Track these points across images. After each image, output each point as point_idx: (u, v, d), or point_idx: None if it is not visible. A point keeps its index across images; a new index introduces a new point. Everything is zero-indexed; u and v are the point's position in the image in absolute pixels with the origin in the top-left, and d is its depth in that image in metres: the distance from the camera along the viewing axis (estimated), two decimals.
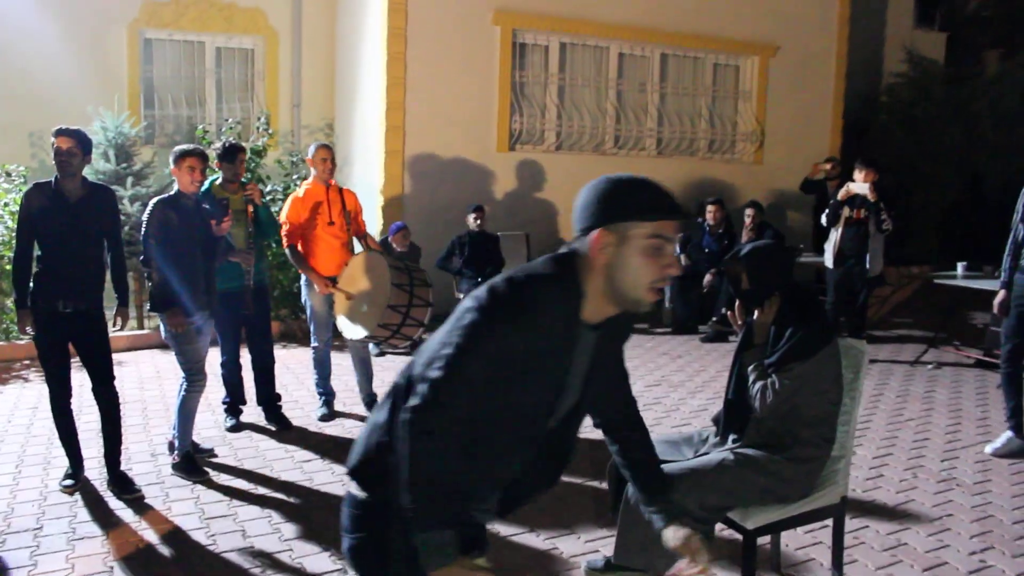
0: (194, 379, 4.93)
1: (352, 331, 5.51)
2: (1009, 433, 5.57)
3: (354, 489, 2.01)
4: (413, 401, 1.83)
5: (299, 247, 5.97)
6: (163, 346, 6.47)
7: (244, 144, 6.58)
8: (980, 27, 17.64)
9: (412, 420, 1.81)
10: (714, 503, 3.24)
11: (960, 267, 8.23)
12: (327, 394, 6.21)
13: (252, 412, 6.00)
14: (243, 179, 5.75)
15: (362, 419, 6.06)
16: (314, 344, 6.15)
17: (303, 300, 6.17)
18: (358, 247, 6.24)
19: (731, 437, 3.46)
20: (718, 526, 3.41)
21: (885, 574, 3.87)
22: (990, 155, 12.87)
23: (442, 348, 1.87)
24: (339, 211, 6.03)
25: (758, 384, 3.32)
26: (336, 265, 5.92)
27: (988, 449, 5.56)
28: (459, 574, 1.88)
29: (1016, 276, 5.47)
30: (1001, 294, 5.54)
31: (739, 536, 3.34)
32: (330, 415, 6.12)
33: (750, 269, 3.45)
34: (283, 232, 5.95)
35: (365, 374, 6.21)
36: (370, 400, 6.23)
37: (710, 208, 9.53)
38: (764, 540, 3.83)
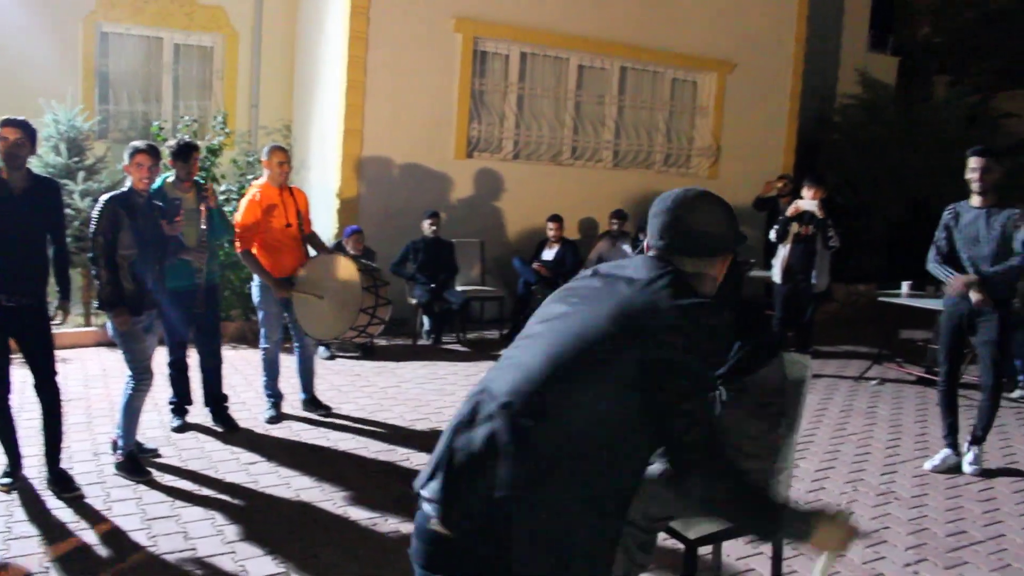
0: (141, 378, 4.88)
1: (319, 331, 5.78)
2: (947, 450, 5.70)
3: (437, 527, 1.96)
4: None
5: (253, 251, 5.94)
6: (110, 344, 6.38)
7: (199, 143, 6.52)
8: (930, 54, 18.07)
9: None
10: (657, 513, 3.28)
11: (905, 286, 8.41)
12: (275, 396, 6.16)
13: (199, 413, 5.94)
14: (197, 178, 5.70)
15: (311, 423, 6.03)
16: (264, 345, 6.10)
17: (255, 301, 6.13)
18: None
19: None
20: (660, 535, 3.45)
21: None
22: (935, 178, 13.15)
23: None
24: (294, 213, 6.02)
25: None
26: (292, 267, 5.95)
27: (927, 466, 5.68)
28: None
29: (945, 300, 5.67)
30: (960, 282, 5.44)
31: (681, 545, 3.37)
32: (278, 417, 6.07)
33: None
34: (236, 236, 5.92)
35: (308, 373, 6.25)
36: (310, 400, 6.28)
37: None
38: (706, 550, 3.89)
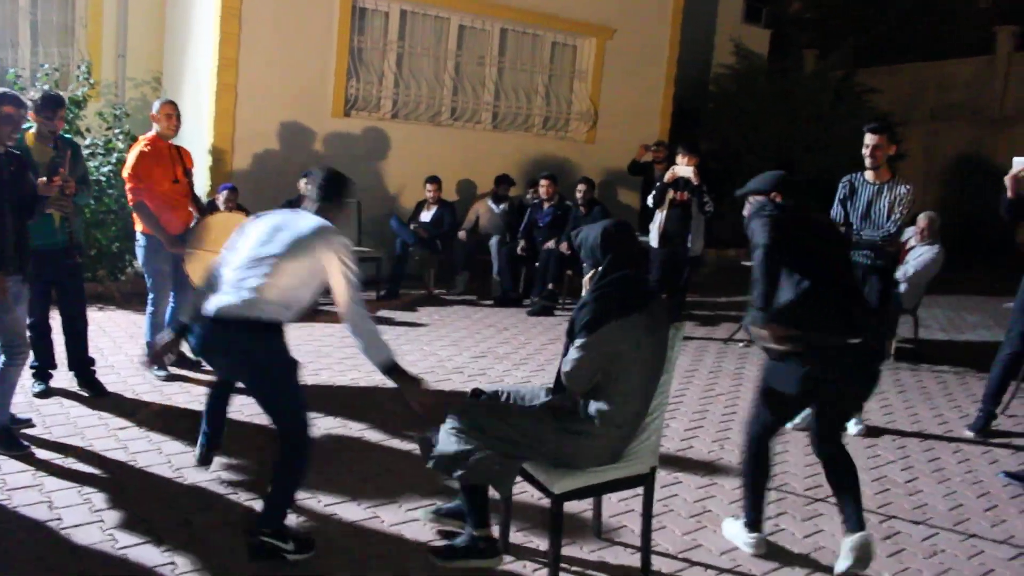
0: (15, 351, 4.50)
1: None
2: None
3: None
4: None
5: (147, 203, 5.86)
6: None
7: (62, 93, 6.19)
8: (800, 28, 18.73)
9: None
10: (506, 434, 3.40)
11: None
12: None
13: (63, 377, 5.69)
14: (61, 133, 5.36)
15: (184, 386, 5.87)
16: (152, 309, 6.03)
17: (141, 264, 6.03)
18: None
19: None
20: (536, 494, 3.52)
21: (691, 539, 4.11)
22: (805, 148, 13.63)
23: None
24: (182, 170, 6.06)
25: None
26: (180, 224, 5.98)
27: (788, 425, 5.93)
28: None
29: None
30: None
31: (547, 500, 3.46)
32: (167, 375, 6.02)
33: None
34: (129, 187, 5.84)
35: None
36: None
37: (543, 183, 9.76)
38: (585, 508, 4.00)
